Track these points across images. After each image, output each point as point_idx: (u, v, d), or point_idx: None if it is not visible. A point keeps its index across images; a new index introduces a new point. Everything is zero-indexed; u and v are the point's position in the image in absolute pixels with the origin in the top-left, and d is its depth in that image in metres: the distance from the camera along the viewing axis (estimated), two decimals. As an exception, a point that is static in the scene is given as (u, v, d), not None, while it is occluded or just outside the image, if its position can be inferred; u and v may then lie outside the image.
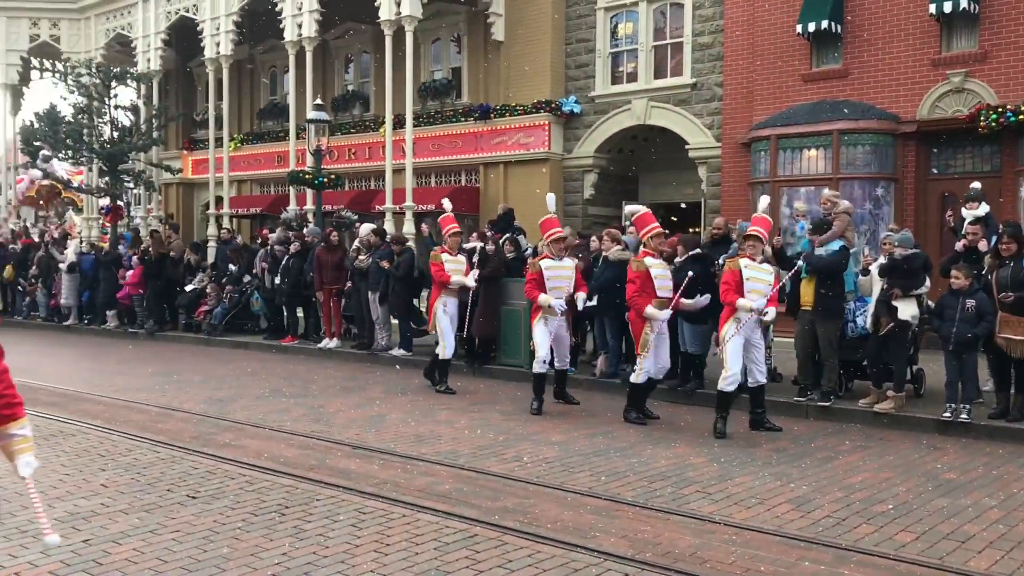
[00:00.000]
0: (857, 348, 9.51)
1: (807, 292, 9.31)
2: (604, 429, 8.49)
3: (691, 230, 16.79)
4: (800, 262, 9.21)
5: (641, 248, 9.01)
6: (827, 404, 9.14)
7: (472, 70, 20.62)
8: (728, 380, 8.14)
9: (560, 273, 9.47)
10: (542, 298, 9.26)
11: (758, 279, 8.22)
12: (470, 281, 11.20)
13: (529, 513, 5.71)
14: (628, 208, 9.76)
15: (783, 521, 5.62)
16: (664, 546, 5.10)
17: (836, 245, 9.36)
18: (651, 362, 8.73)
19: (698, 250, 10.02)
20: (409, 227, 17.50)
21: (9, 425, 3.06)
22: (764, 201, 9.00)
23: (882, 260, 9.22)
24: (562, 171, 19.27)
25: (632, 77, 18.54)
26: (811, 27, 14.87)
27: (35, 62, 27.41)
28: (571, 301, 9.74)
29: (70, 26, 25.75)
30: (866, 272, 9.51)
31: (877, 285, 9.14)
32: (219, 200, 22.45)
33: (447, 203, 11.18)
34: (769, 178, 15.37)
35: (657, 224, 9.03)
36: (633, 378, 8.82)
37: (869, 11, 14.86)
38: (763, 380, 8.48)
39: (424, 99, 20.86)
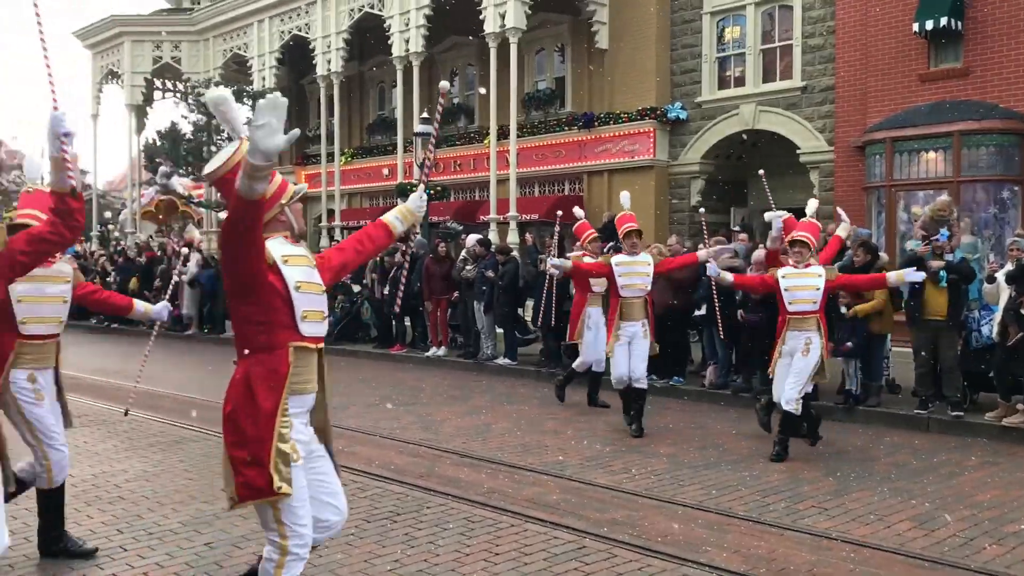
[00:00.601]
0: (982, 359, 9.08)
1: (938, 301, 8.88)
2: (714, 442, 8.33)
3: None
4: (940, 269, 8.77)
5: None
6: (959, 415, 8.75)
7: (576, 79, 20.63)
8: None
9: (634, 269, 8.56)
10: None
11: (802, 287, 7.57)
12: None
13: (638, 526, 5.65)
14: (769, 215, 9.00)
15: (904, 539, 5.40)
16: (779, 562, 4.97)
17: (960, 251, 8.98)
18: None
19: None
20: (513, 237, 17.60)
21: None
22: (812, 205, 8.40)
23: (1009, 267, 8.76)
24: (668, 178, 19.06)
25: (740, 81, 18.21)
26: (929, 25, 14.31)
27: (158, 83, 28.80)
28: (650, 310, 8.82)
29: (190, 48, 26.96)
30: (992, 279, 9.06)
31: (1004, 293, 8.69)
32: (331, 213, 23.08)
33: (579, 211, 10.41)
34: (884, 182, 14.85)
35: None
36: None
37: (993, 6, 14.20)
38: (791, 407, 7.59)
39: (528, 109, 20.98)
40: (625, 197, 9.19)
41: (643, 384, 8.60)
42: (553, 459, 7.56)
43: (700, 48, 18.61)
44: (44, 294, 4.86)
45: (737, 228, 12.89)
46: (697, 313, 11.16)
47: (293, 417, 3.47)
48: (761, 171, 9.02)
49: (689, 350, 12.23)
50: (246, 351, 3.48)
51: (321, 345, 3.63)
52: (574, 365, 10.17)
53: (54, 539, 5.08)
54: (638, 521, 5.75)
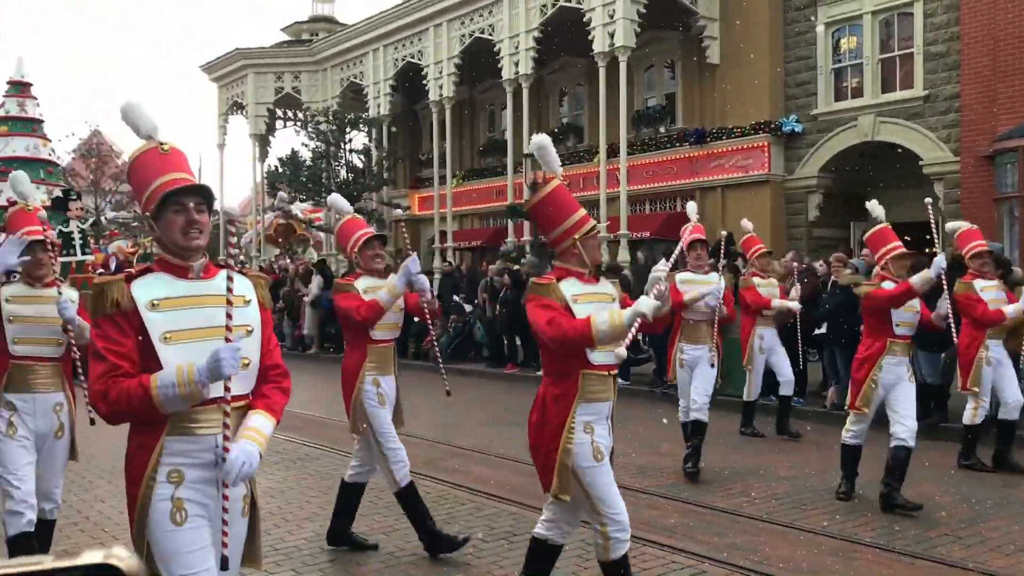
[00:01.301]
0: None
1: None
2: (837, 464, 8.06)
3: (928, 251, 15.70)
4: None
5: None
6: None
7: (686, 95, 20.45)
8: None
9: (698, 288, 7.65)
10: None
11: (997, 300, 7.61)
12: (795, 304, 9.56)
13: (759, 551, 5.52)
14: (951, 225, 8.54)
15: (1049, 572, 5.11)
16: (910, 593, 4.77)
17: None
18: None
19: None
20: (624, 255, 17.52)
21: None
22: (877, 210, 7.40)
23: None
24: (783, 193, 18.64)
25: (857, 92, 17.69)
26: (1063, 26, 13.60)
27: (279, 112, 29.98)
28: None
29: (309, 78, 27.98)
30: None
31: None
32: (443, 234, 23.49)
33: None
34: (1017, 192, 14.15)
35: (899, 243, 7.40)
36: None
37: None
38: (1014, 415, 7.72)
39: (638, 127, 20.90)
40: (691, 207, 7.68)
41: (702, 416, 7.69)
42: (669, 481, 7.47)
43: (815, 59, 18.18)
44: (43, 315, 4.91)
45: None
46: (817, 332, 10.86)
47: (595, 424, 3.99)
48: (928, 200, 7.60)
49: (806, 370, 11.90)
50: (542, 372, 4.19)
51: (615, 372, 4.13)
52: (745, 398, 9.58)
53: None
54: (759, 546, 5.61)
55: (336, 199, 6.42)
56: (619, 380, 12.98)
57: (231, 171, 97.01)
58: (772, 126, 18.28)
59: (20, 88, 20.30)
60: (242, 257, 33.53)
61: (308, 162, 24.74)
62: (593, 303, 4.00)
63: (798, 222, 18.43)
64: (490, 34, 21.54)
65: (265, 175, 28.83)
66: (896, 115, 16.86)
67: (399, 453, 5.57)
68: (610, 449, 4.11)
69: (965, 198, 15.60)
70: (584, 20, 18.93)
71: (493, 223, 24.98)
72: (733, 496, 6.94)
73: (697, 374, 7.72)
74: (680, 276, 7.51)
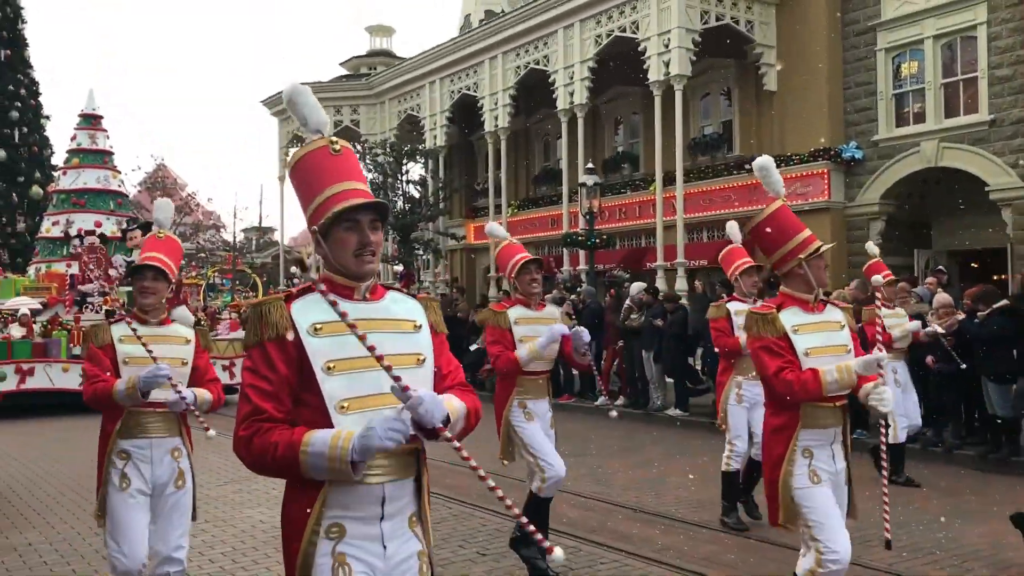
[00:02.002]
0: None
1: None
2: (904, 499, 7.83)
3: (996, 279, 15.31)
4: None
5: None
6: None
7: (743, 122, 20.31)
8: None
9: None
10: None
11: None
12: (932, 328, 8.92)
13: (824, 589, 5.35)
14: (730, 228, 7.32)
15: None
16: (984, 637, 4.58)
17: None
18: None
19: (1005, 301, 9.10)
20: (681, 284, 17.36)
21: None
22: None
23: None
24: (844, 220, 18.34)
25: (919, 118, 17.38)
26: None
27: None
28: None
29: (367, 111, 28.46)
30: None
31: None
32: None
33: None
34: (1089, 218, 13.71)
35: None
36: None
37: None
38: None
39: (694, 154, 20.79)
40: (732, 226, 7.17)
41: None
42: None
43: (875, 85, 17.93)
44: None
45: (930, 271, 12.05)
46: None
47: (816, 449, 3.96)
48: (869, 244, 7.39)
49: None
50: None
51: (842, 403, 4.01)
52: (891, 440, 8.28)
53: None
54: (823, 584, 5.45)
55: (493, 227, 6.41)
56: (678, 412, 12.63)
57: (291, 202, 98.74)
58: (832, 153, 18.04)
59: (91, 121, 20.86)
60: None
61: (366, 193, 25.08)
62: (817, 334, 3.94)
63: (860, 250, 18.05)
64: (545, 65, 21.69)
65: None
66: (960, 140, 16.51)
67: (554, 469, 5.61)
68: (840, 473, 4.09)
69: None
70: (639, 49, 18.96)
71: (549, 251, 25.01)
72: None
73: (757, 416, 6.71)
74: (733, 307, 6.84)
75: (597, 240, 17.98)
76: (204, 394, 4.44)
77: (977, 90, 16.44)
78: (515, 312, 5.66)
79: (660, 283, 17.36)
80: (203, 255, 44.43)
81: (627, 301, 14.35)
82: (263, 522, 7.15)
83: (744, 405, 6.90)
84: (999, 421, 9.13)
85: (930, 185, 17.79)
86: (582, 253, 19.56)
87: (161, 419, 4.40)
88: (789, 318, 3.92)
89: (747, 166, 19.29)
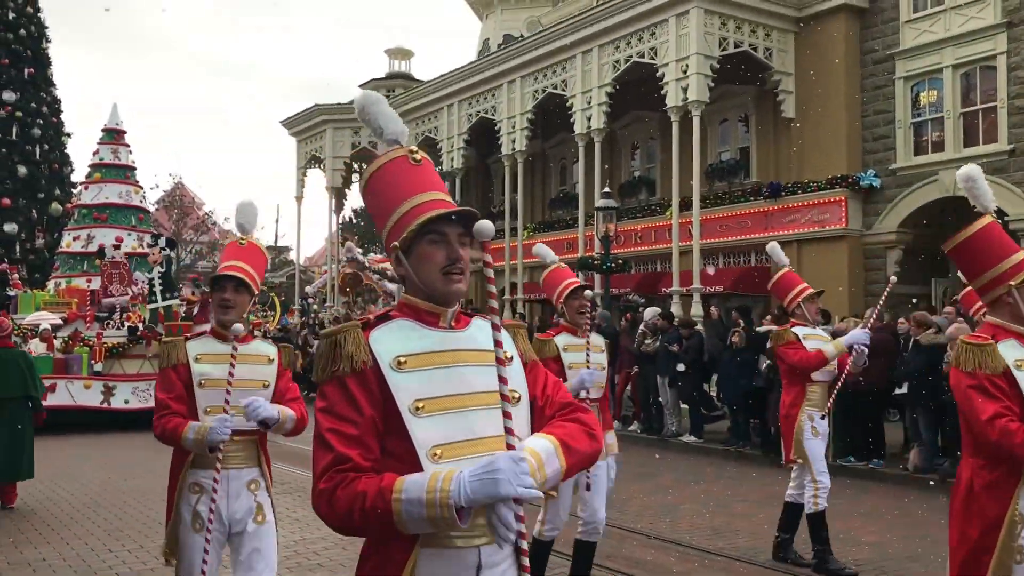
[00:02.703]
0: None
1: None
2: (922, 531, 7.74)
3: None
4: None
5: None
6: None
7: (761, 148, 20.32)
8: None
9: (816, 345, 6.41)
10: (830, 349, 6.31)
11: None
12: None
13: (841, 621, 5.29)
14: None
15: None
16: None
17: None
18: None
19: None
20: (697, 310, 17.32)
21: None
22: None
23: None
24: (862, 248, 18.28)
25: (938, 146, 17.35)
26: None
27: (355, 166, 30.69)
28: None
29: (386, 132, 28.61)
30: None
31: None
32: (514, 286, 23.58)
33: (775, 247, 7.11)
34: (1110, 249, 13.61)
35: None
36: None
37: None
38: None
39: (711, 180, 20.81)
40: (774, 248, 7.03)
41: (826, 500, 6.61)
42: (746, 544, 7.25)
43: (893, 114, 17.92)
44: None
45: (948, 300, 11.94)
46: (897, 391, 10.53)
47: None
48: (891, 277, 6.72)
49: (884, 431, 11.52)
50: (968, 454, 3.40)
51: None
52: None
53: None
54: (840, 616, 5.39)
55: (541, 248, 6.19)
56: (693, 438, 12.44)
57: (308, 222, 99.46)
58: (849, 180, 18.02)
59: (114, 136, 20.87)
60: (315, 305, 34.17)
61: (382, 214, 25.19)
62: None
63: (877, 278, 18.01)
64: (563, 89, 21.79)
65: (340, 226, 29.46)
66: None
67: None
68: None
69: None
70: (657, 75, 19.03)
71: (564, 276, 24.97)
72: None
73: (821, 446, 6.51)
74: (800, 331, 6.44)
75: (612, 264, 17.98)
76: (287, 412, 3.94)
77: (996, 119, 16.41)
78: (562, 339, 5.41)
79: (675, 308, 17.31)
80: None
81: (641, 326, 14.32)
82: None
83: (819, 438, 6.40)
84: None
85: (948, 214, 17.70)
86: (597, 277, 19.55)
87: (240, 447, 3.92)
88: (1009, 352, 3.25)
89: (764, 193, 19.32)
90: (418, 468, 1.98)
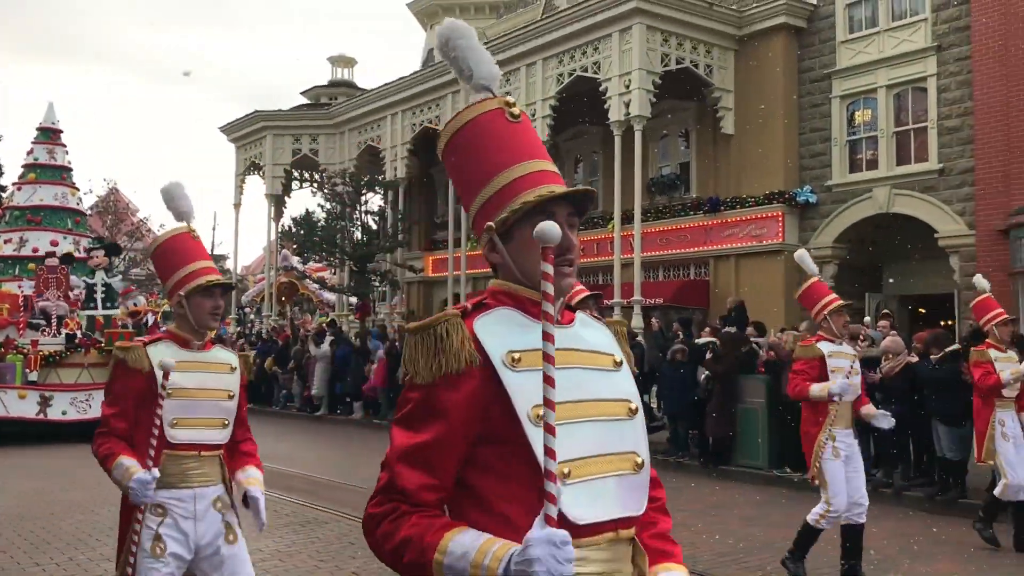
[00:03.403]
0: None
1: None
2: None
3: (943, 324, 15.64)
4: None
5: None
6: None
7: (700, 164, 20.62)
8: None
9: (841, 364, 6.21)
10: (815, 388, 6.12)
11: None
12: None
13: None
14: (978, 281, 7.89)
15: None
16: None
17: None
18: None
19: (956, 346, 9.30)
20: (637, 321, 17.47)
21: None
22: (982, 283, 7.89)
23: None
24: (798, 263, 18.62)
25: (872, 164, 17.81)
26: (1077, 103, 13.72)
27: (295, 173, 30.34)
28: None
29: (327, 140, 28.37)
30: None
31: None
32: (456, 297, 23.53)
33: (981, 281, 7.87)
34: (1033, 267, 14.10)
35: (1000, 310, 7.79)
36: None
37: None
38: None
39: (652, 194, 21.04)
40: (803, 255, 6.98)
41: (863, 517, 6.35)
42: (685, 553, 7.28)
43: (830, 131, 18.35)
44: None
45: (881, 314, 12.22)
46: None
47: None
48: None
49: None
50: None
51: None
52: (996, 492, 7.56)
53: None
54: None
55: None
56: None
57: (246, 230, 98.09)
58: (786, 196, 18.38)
59: (50, 135, 20.04)
60: (252, 315, 33.68)
61: (322, 223, 24.93)
62: None
63: (812, 292, 18.37)
64: (507, 101, 21.82)
65: (279, 234, 29.06)
66: (911, 187, 16.94)
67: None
68: None
69: (980, 271, 15.49)
70: (600, 89, 19.21)
71: (506, 287, 24.97)
72: (749, 570, 6.78)
73: (857, 466, 6.33)
74: (826, 347, 6.25)
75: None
76: (259, 477, 3.73)
77: (927, 139, 16.90)
78: (826, 347, 6.21)
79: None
80: (158, 283, 43.74)
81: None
82: None
83: (840, 460, 6.15)
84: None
85: (882, 230, 18.18)
86: (540, 288, 19.61)
87: (202, 463, 3.60)
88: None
89: (704, 208, 19.61)
90: (536, 486, 1.57)
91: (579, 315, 1.91)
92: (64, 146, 20.05)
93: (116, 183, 45.47)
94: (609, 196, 20.27)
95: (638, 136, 18.40)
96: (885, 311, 14.38)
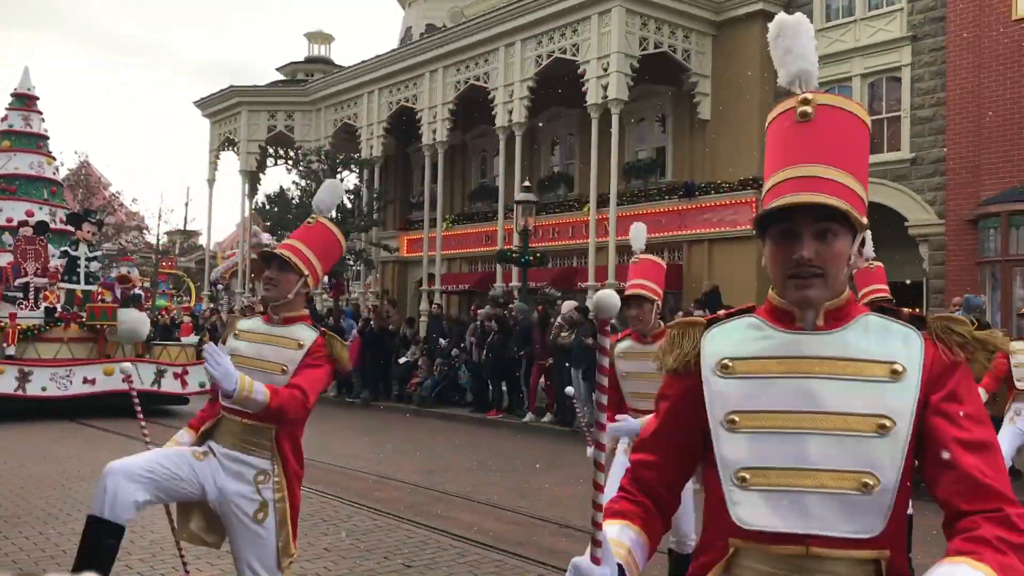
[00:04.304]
0: None
1: None
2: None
3: (912, 311, 15.86)
4: None
5: None
6: None
7: (677, 149, 20.72)
8: None
9: None
10: None
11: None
12: None
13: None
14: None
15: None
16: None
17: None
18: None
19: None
20: (612, 305, 17.58)
21: None
22: None
23: None
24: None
25: (845, 153, 17.97)
26: (1046, 96, 13.93)
27: (271, 150, 30.13)
28: None
29: (303, 117, 28.17)
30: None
31: None
32: (431, 277, 23.54)
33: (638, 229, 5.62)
34: (1000, 257, 14.35)
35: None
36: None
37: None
38: None
39: (628, 178, 21.12)
40: (869, 249, 6.34)
41: None
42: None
43: (804, 119, 18.48)
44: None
45: None
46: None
47: None
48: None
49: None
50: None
51: None
52: None
53: None
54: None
55: (638, 229, 5.34)
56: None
57: (219, 206, 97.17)
58: (760, 183, 18.49)
59: (25, 101, 19.36)
60: (222, 291, 33.46)
61: (296, 200, 24.80)
62: None
63: (784, 278, 18.60)
64: (485, 81, 21.81)
65: (253, 211, 28.88)
66: (883, 176, 17.12)
67: None
68: None
69: (950, 260, 15.82)
70: (578, 72, 19.22)
71: (482, 267, 25.06)
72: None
73: None
74: None
75: (531, 258, 18.12)
76: (258, 386, 3.54)
77: (900, 129, 17.10)
78: None
79: (591, 303, 17.58)
80: (130, 257, 43.36)
81: (558, 319, 14.48)
82: None
83: None
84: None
85: (853, 218, 18.37)
86: (515, 270, 19.67)
87: (246, 431, 3.75)
88: None
89: (679, 192, 19.72)
90: (718, 495, 1.70)
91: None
92: (40, 113, 19.42)
93: (88, 156, 44.83)
94: (585, 179, 20.37)
95: (615, 120, 18.46)
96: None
